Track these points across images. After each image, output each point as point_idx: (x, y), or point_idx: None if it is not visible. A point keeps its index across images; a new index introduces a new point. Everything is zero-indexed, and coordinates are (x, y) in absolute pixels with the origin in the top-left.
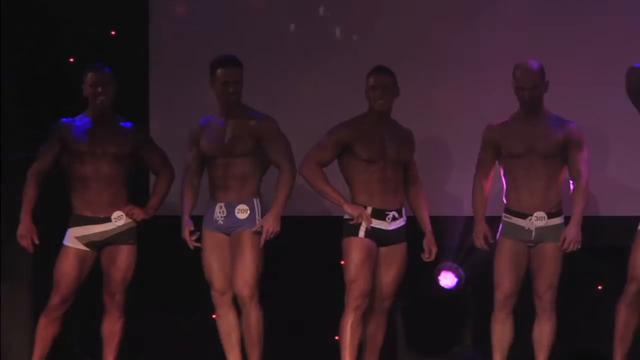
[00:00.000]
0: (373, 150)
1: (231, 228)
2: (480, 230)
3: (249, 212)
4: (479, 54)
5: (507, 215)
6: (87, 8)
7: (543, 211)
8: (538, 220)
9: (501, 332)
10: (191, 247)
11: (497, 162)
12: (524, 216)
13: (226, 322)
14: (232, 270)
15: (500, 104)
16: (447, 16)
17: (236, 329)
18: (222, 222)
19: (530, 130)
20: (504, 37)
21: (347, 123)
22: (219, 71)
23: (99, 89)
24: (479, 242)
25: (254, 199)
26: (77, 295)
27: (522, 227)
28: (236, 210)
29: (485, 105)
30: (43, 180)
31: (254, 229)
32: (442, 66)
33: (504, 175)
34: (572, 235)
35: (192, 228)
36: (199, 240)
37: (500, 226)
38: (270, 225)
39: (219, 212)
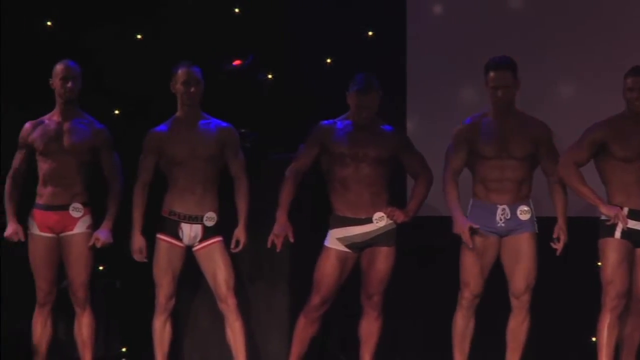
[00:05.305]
0: (630, 150)
1: (510, 230)
2: None
3: (530, 213)
4: None
5: None
6: (345, 8)
7: None
8: None
9: None
10: (469, 245)
11: None
12: None
13: (468, 325)
14: (510, 273)
15: None
16: None
17: (471, 335)
18: (503, 225)
19: None
20: None
21: (603, 123)
22: (490, 74)
23: (363, 103)
24: None
25: (530, 201)
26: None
27: None
28: (518, 212)
29: None
30: (300, 180)
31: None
32: None
33: None
34: None
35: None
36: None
37: None
38: (566, 235)
39: (502, 214)
